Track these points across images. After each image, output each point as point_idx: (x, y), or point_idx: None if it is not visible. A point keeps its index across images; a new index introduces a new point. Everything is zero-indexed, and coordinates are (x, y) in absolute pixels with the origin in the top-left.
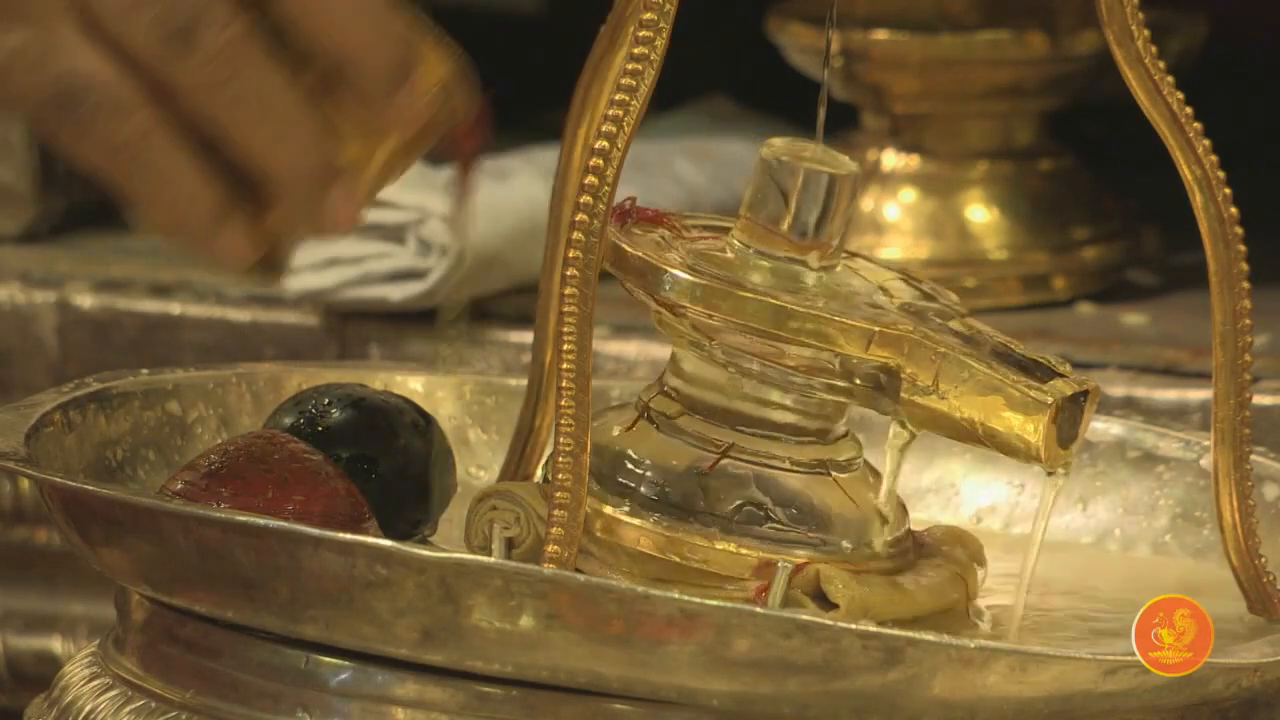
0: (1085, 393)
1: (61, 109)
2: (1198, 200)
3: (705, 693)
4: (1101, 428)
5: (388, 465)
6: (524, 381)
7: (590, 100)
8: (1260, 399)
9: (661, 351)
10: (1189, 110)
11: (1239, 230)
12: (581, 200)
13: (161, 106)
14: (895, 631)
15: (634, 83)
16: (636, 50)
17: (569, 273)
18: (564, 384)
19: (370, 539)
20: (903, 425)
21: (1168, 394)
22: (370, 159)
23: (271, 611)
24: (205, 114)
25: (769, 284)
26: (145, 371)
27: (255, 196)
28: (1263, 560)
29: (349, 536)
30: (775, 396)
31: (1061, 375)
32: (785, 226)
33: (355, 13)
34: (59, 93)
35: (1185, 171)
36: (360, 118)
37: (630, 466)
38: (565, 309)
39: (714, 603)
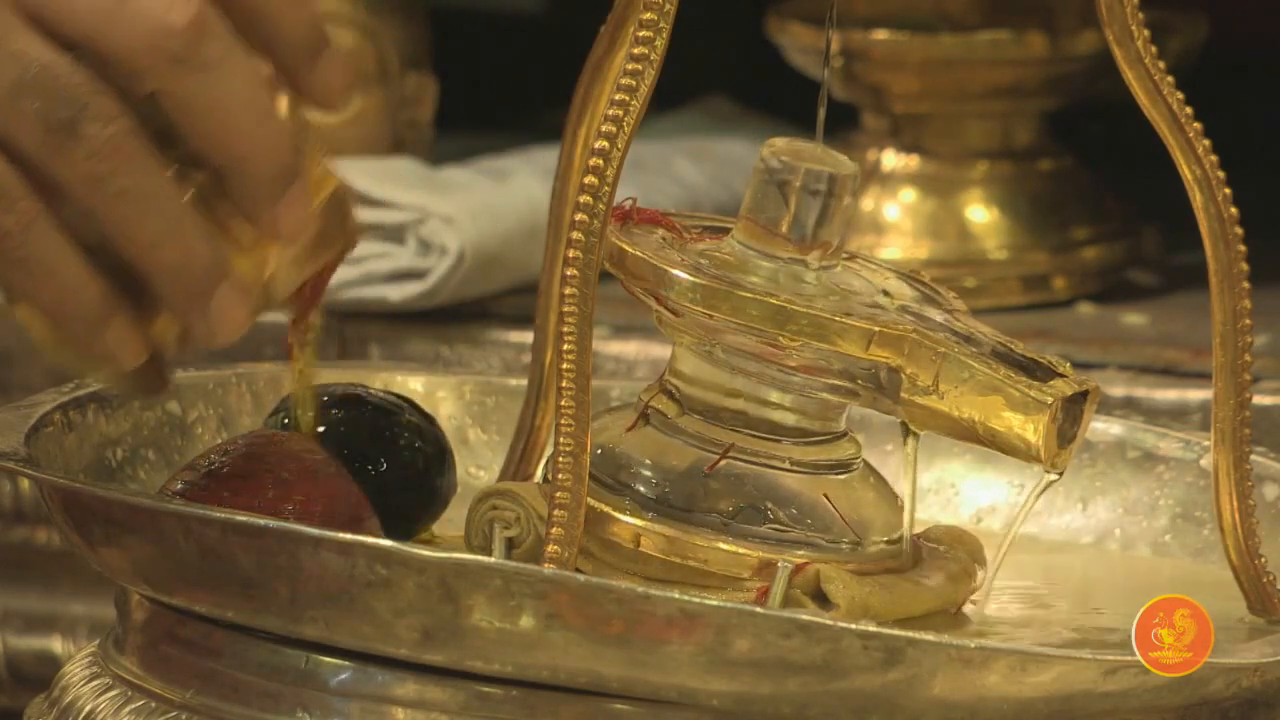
0: (1085, 393)
1: None
2: (1198, 200)
3: (705, 693)
4: (1101, 428)
5: (388, 465)
6: (524, 381)
7: (590, 100)
8: (1260, 399)
9: (661, 351)
10: (1189, 110)
11: (1239, 230)
12: (581, 200)
13: (47, 199)
14: (895, 631)
15: (634, 83)
16: (636, 50)
17: (569, 273)
18: (564, 384)
19: (370, 539)
20: (908, 436)
21: (1168, 394)
22: (260, 266)
23: (271, 611)
24: (88, 209)
25: (769, 284)
26: None
27: (141, 299)
28: (1263, 560)
29: (349, 536)
30: (775, 396)
31: (1061, 375)
32: (785, 227)
33: (242, 115)
34: None
35: (1185, 171)
36: (248, 222)
37: (630, 467)
38: (565, 309)
39: (714, 603)
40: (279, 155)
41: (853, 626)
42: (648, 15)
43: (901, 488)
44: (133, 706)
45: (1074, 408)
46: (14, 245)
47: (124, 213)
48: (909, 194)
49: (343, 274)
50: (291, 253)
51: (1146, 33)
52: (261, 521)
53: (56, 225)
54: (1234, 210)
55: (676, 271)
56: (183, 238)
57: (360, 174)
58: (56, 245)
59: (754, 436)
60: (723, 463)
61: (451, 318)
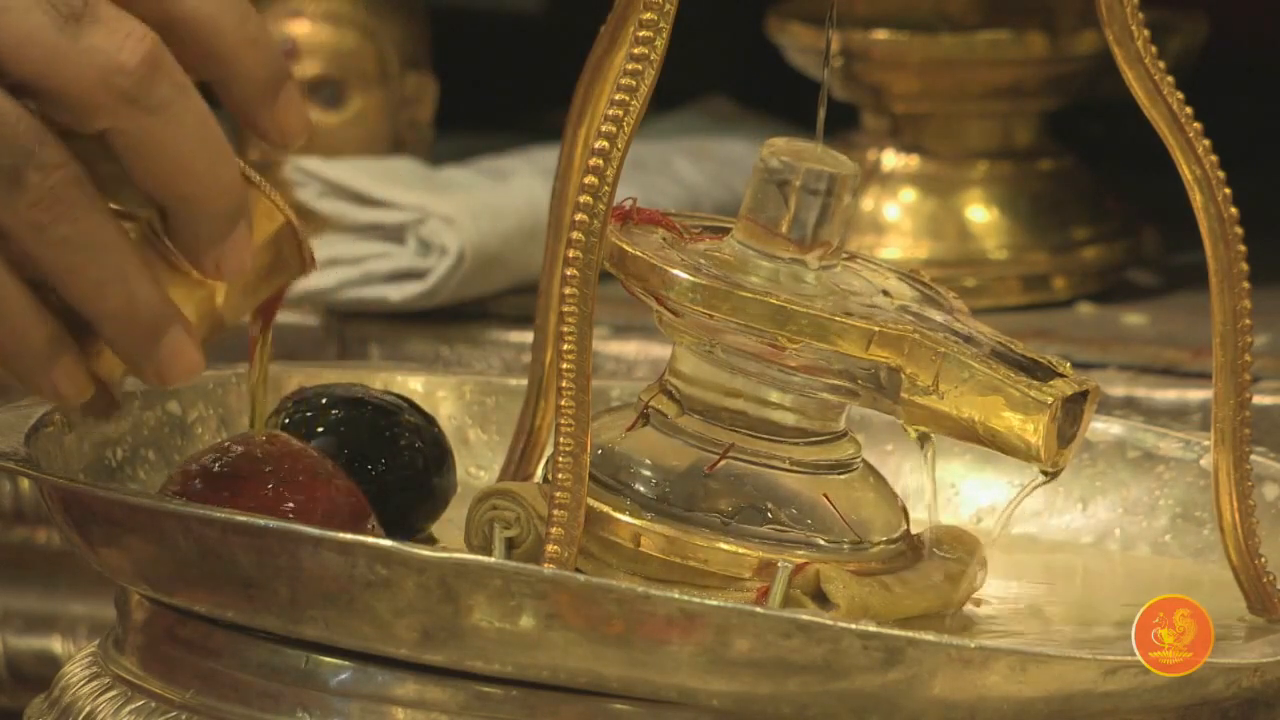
0: (1085, 393)
1: None
2: (1198, 200)
3: (705, 693)
4: (1101, 428)
5: (388, 465)
6: (524, 381)
7: (590, 100)
8: (1260, 399)
9: (661, 351)
10: (1189, 110)
11: (1239, 230)
12: (581, 200)
13: None
14: (895, 631)
15: (634, 83)
16: (636, 50)
17: (569, 273)
18: (564, 384)
19: (370, 539)
20: (925, 443)
21: (1168, 394)
22: (210, 297)
23: (271, 611)
24: (31, 256)
25: (769, 284)
26: None
27: (89, 335)
28: (1263, 560)
29: (349, 536)
30: (775, 396)
31: (1061, 375)
32: (785, 227)
33: (190, 158)
34: None
35: (1185, 171)
36: (194, 260)
37: (630, 467)
38: (565, 309)
39: (714, 603)
40: (225, 198)
41: (853, 626)
42: (648, 15)
43: (902, 488)
44: (133, 706)
45: (1074, 408)
46: None
47: (67, 261)
48: (909, 194)
49: (343, 274)
50: (242, 282)
51: (1146, 33)
52: (261, 521)
53: (4, 265)
54: (1234, 210)
55: (676, 271)
56: (126, 285)
57: (360, 174)
58: (5, 288)
59: (754, 436)
60: (723, 463)
61: (451, 318)
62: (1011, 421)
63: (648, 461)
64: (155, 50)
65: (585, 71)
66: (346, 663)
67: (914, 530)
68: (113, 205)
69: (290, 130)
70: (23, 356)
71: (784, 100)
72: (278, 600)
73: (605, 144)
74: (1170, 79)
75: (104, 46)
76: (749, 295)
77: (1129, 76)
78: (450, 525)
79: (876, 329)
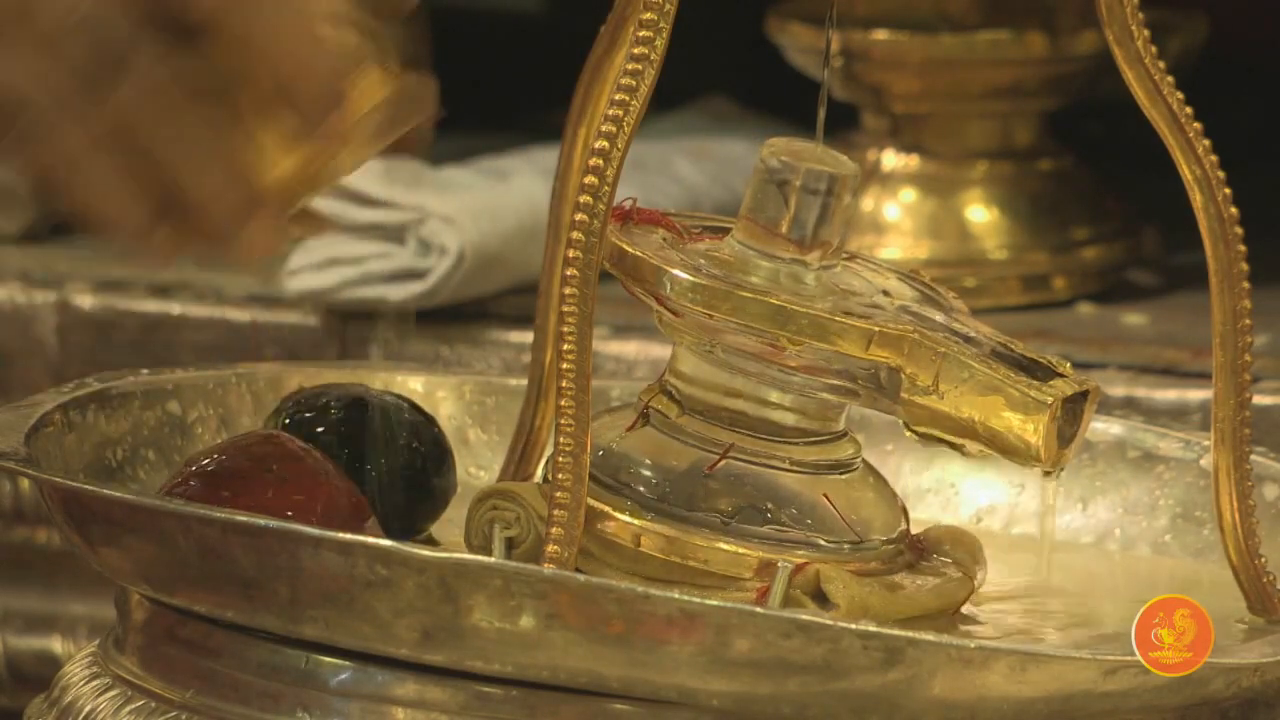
0: (1085, 393)
1: None
2: (1198, 200)
3: (705, 693)
4: (1101, 428)
5: (388, 465)
6: (524, 381)
7: (590, 100)
8: (1260, 399)
9: (661, 351)
10: (1189, 110)
11: (1239, 230)
12: (581, 200)
13: (94, 127)
14: (895, 631)
15: (634, 83)
16: (636, 50)
17: (569, 273)
18: (564, 384)
19: (370, 539)
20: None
21: (1168, 394)
22: (303, 175)
23: (271, 611)
24: (130, 142)
25: (769, 284)
26: (145, 371)
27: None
28: (1263, 560)
29: (349, 536)
30: (775, 396)
31: (1061, 375)
32: (785, 227)
33: (290, 50)
34: None
35: (1185, 171)
36: (295, 135)
37: (630, 467)
38: (565, 309)
39: (714, 603)
40: (324, 82)
41: (853, 626)
42: (648, 15)
43: (902, 488)
44: (133, 706)
45: (1074, 408)
46: (66, 171)
47: (163, 148)
48: (909, 194)
49: (343, 274)
50: (348, 145)
51: (1146, 33)
52: (261, 521)
53: (105, 151)
54: (1234, 210)
55: (676, 271)
56: (218, 173)
57: (360, 174)
58: (104, 171)
59: (754, 436)
60: (723, 463)
61: (451, 318)
62: (1011, 421)
63: (648, 461)
64: None
65: (585, 71)
66: (346, 663)
67: (914, 530)
68: (212, 83)
69: None
70: (123, 231)
71: (784, 100)
72: (278, 600)
73: (605, 144)
74: (1170, 79)
75: None
76: (749, 295)
77: (1129, 76)
78: (450, 525)
79: (876, 329)
